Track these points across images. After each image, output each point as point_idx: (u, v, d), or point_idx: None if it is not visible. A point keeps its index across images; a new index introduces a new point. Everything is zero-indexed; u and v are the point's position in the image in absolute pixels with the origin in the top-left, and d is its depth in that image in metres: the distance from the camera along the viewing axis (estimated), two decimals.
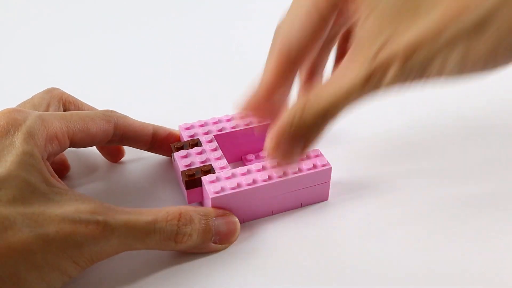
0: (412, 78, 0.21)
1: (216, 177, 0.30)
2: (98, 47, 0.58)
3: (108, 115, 0.32)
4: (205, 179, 0.30)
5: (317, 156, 0.32)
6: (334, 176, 0.33)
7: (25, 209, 0.24)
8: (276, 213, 0.33)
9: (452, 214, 0.32)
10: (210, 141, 0.34)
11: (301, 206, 0.33)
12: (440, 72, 0.20)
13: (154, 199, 0.34)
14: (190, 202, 0.32)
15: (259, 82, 0.26)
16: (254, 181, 0.30)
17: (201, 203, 0.33)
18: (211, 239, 0.29)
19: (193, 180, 0.31)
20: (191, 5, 0.69)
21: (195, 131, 0.35)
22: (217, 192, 0.30)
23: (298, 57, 0.25)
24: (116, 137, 0.32)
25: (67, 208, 0.25)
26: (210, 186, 0.30)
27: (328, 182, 0.33)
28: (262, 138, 0.36)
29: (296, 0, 0.25)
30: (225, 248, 0.30)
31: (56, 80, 0.50)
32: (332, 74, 0.23)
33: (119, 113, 0.33)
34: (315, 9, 0.23)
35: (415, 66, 0.20)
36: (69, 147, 0.30)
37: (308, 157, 0.32)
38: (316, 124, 0.23)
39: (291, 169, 0.31)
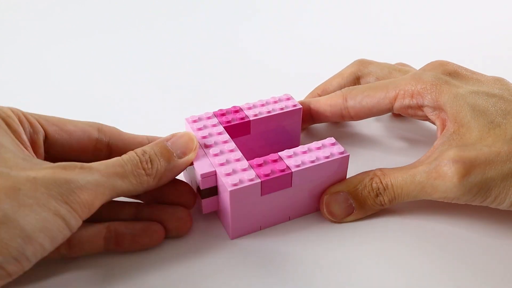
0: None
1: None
2: (97, 48, 0.57)
3: (92, 122, 0.31)
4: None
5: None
6: None
7: (2, 162, 0.24)
8: (293, 219, 0.32)
9: (462, 225, 0.32)
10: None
11: (317, 211, 0.33)
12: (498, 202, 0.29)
13: None
14: (206, 211, 0.31)
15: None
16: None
17: (217, 213, 0.32)
18: (173, 156, 0.29)
19: (208, 189, 0.30)
20: (190, 6, 0.68)
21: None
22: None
23: None
24: (102, 144, 0.31)
25: (45, 163, 0.25)
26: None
27: (345, 172, 0.32)
28: (272, 134, 0.36)
29: None
30: (194, 157, 0.30)
31: (55, 81, 0.50)
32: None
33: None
34: None
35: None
36: (46, 139, 0.29)
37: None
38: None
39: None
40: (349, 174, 0.32)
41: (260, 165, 0.30)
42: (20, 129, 0.27)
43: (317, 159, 0.30)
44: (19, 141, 0.26)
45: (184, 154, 0.29)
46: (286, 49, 0.58)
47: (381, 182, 0.31)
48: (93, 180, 0.25)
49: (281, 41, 0.59)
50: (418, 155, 0.34)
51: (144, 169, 0.28)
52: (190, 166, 0.31)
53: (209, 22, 0.65)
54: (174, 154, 0.29)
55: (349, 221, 0.32)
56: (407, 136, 0.41)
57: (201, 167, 0.30)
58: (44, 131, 0.29)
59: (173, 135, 0.30)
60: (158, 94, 0.48)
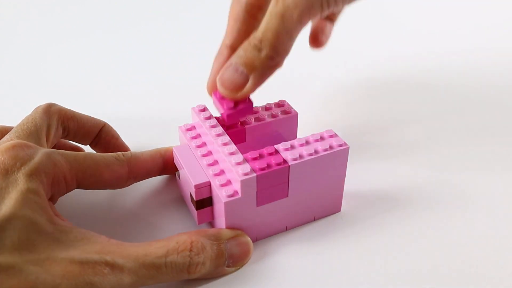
0: None
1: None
2: (97, 48, 0.58)
3: (121, 159, 0.30)
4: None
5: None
6: (346, 187, 0.32)
7: (30, 254, 0.23)
8: (289, 229, 0.31)
9: (471, 230, 0.31)
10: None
11: (314, 219, 0.32)
12: None
13: (160, 217, 0.33)
14: (200, 222, 0.30)
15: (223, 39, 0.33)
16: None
17: (211, 223, 0.32)
18: (224, 264, 0.28)
19: (203, 200, 0.29)
20: (187, 6, 0.68)
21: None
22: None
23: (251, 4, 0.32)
24: (130, 180, 0.31)
25: (73, 249, 0.24)
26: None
27: (345, 165, 0.31)
28: (267, 141, 0.35)
29: None
30: (238, 269, 0.29)
31: (55, 82, 0.50)
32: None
33: (131, 153, 0.31)
34: None
35: None
36: (77, 188, 0.29)
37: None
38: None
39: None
40: (349, 168, 0.31)
41: (256, 159, 0.28)
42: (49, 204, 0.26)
43: (316, 152, 0.29)
44: (49, 210, 0.25)
45: (234, 264, 0.28)
46: None
47: None
48: (120, 285, 0.24)
49: None
50: (416, 148, 0.33)
51: (189, 272, 0.26)
52: (183, 174, 0.30)
53: (205, 22, 0.64)
54: (226, 262, 0.28)
55: (247, 92, 0.29)
56: (406, 130, 0.41)
57: (195, 177, 0.29)
58: (78, 183, 0.29)
59: (236, 234, 0.29)
60: (153, 95, 0.48)
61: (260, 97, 0.43)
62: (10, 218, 0.23)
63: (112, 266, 0.24)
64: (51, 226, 0.24)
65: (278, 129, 0.35)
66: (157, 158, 0.32)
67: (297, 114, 0.36)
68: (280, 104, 0.36)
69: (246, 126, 0.34)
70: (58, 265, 0.23)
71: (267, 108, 0.36)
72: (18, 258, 0.22)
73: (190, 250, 0.26)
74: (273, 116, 0.35)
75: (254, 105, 0.36)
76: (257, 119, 0.34)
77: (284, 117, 0.35)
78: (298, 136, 0.37)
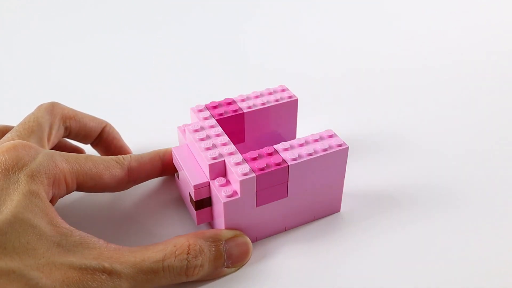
0: None
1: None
2: (98, 49, 0.58)
3: (122, 162, 0.30)
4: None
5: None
6: (346, 187, 0.32)
7: (30, 259, 0.23)
8: (289, 229, 0.31)
9: (471, 230, 0.31)
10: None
11: (313, 220, 0.32)
12: None
13: (159, 218, 0.33)
14: (199, 223, 0.30)
15: None
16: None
17: (211, 224, 0.32)
18: (223, 265, 0.28)
19: (202, 200, 0.29)
20: (187, 7, 0.68)
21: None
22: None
23: None
24: (130, 183, 0.31)
25: (72, 254, 0.24)
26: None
27: (344, 165, 0.30)
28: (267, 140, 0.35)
29: None
30: (238, 270, 0.29)
31: (56, 81, 0.50)
32: None
33: (131, 157, 0.31)
34: None
35: None
36: (76, 190, 0.29)
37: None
38: None
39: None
40: (348, 168, 0.31)
41: (255, 159, 0.28)
42: (51, 192, 0.26)
43: (315, 152, 0.29)
44: (50, 212, 0.25)
45: (233, 265, 0.28)
46: (286, 49, 0.57)
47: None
48: None
49: (280, 41, 0.58)
50: (416, 148, 0.33)
51: (187, 274, 0.26)
52: (183, 174, 0.30)
53: (204, 23, 0.64)
54: (224, 263, 0.28)
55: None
56: (406, 130, 0.41)
57: (195, 177, 0.29)
58: (78, 185, 0.28)
59: (234, 235, 0.28)
60: (153, 95, 0.48)
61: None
62: (11, 222, 0.23)
63: (110, 272, 0.24)
64: (51, 229, 0.24)
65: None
66: (157, 160, 0.32)
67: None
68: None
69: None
70: (57, 271, 0.23)
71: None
72: (19, 262, 0.22)
73: (188, 253, 0.26)
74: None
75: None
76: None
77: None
78: (297, 136, 0.37)
